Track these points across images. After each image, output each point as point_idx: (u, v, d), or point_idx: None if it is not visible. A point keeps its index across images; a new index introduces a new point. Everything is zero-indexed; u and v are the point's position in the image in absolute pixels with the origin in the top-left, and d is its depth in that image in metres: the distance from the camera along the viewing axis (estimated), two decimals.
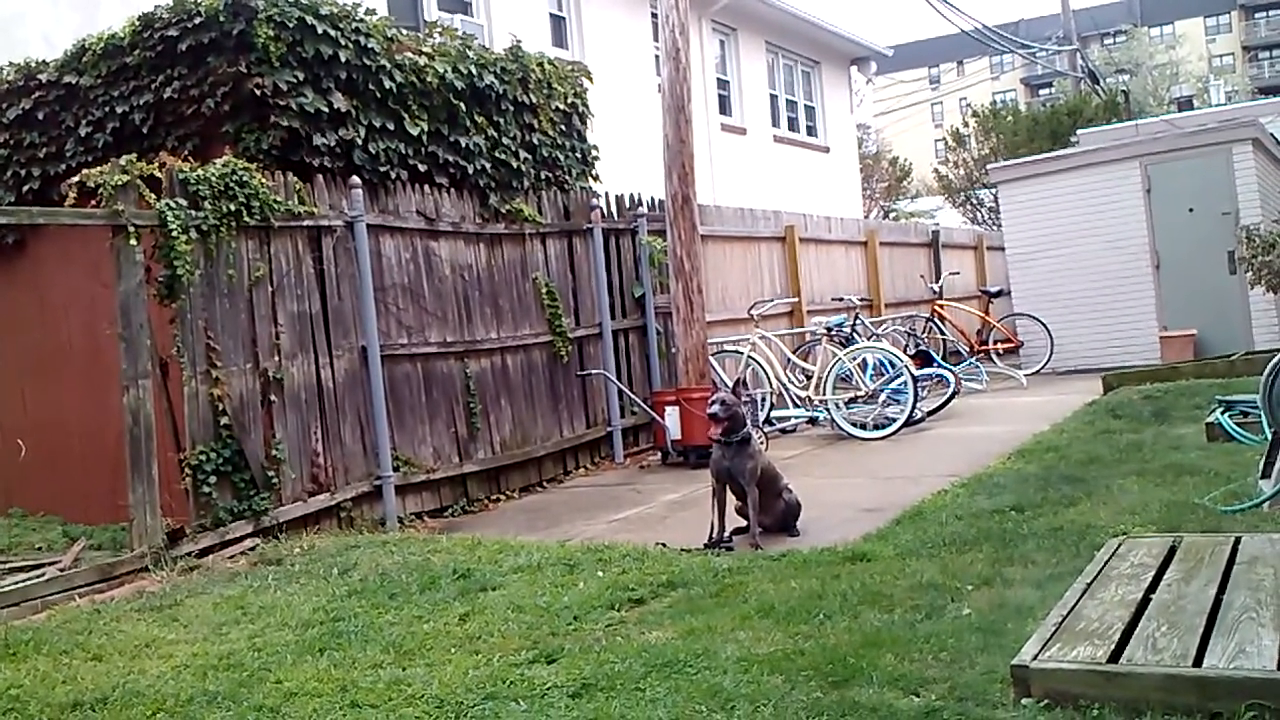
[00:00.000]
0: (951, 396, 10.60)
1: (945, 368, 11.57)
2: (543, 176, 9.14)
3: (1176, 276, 13.21)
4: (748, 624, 4.20)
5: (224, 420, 6.49)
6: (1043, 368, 13.67)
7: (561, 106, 9.35)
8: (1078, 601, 3.66)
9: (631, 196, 10.25)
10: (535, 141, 9.01)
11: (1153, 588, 3.74)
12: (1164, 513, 5.34)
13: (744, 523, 5.99)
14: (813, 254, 13.35)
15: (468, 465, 8.10)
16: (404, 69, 7.74)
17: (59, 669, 4.38)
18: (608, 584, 4.97)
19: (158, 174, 6.39)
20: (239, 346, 6.68)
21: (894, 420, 9.52)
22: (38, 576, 5.89)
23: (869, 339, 11.35)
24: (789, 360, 10.81)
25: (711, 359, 9.86)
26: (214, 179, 6.52)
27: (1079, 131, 20.04)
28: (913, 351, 11.88)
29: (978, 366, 13.08)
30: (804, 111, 20.76)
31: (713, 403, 6.00)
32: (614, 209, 10.05)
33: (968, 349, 14.58)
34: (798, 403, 10.34)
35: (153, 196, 6.28)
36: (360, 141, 7.45)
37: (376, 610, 4.87)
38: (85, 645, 4.69)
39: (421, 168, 7.97)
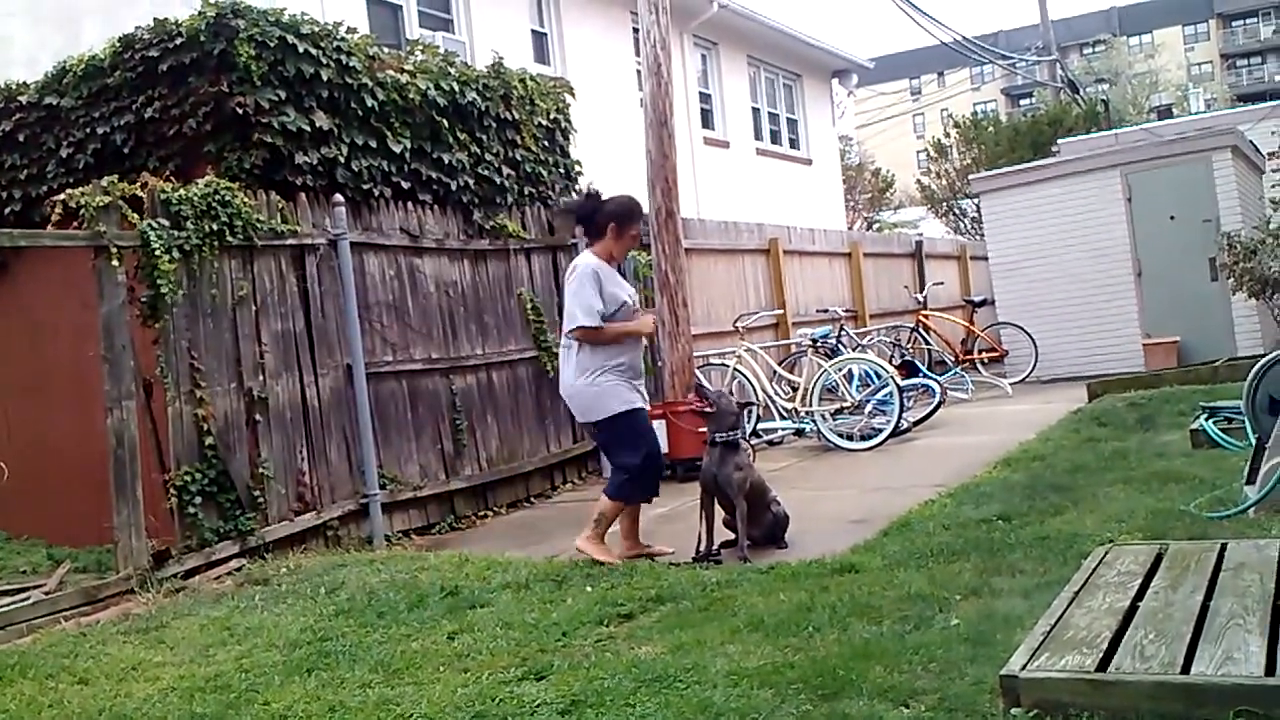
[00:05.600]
0: (937, 406, 10.62)
1: (930, 378, 11.60)
2: (526, 192, 9.15)
3: (1159, 284, 13.28)
4: (737, 637, 4.19)
5: (209, 440, 6.47)
6: (1027, 376, 13.71)
7: (544, 122, 9.37)
8: (1065, 610, 3.66)
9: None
10: (518, 157, 9.02)
11: (1140, 595, 3.74)
12: (1150, 520, 5.35)
13: (732, 536, 5.99)
14: (797, 266, 13.38)
15: (455, 482, 8.08)
16: (386, 87, 7.74)
17: (45, 693, 4.34)
18: (596, 599, 4.96)
19: (140, 194, 6.37)
20: (223, 366, 6.66)
21: (880, 431, 9.53)
22: (22, 600, 5.85)
23: (854, 350, 11.38)
24: (775, 372, 10.83)
25: (697, 372, 9.85)
26: (196, 199, 6.51)
27: (1060, 141, 20.16)
28: (898, 362, 11.93)
29: (963, 376, 13.12)
30: (786, 124, 20.84)
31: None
32: None
33: (953, 359, 14.61)
34: (784, 414, 10.34)
35: (135, 217, 6.27)
36: (343, 159, 7.44)
37: (364, 629, 4.84)
38: (71, 669, 4.66)
39: (405, 185, 7.97)
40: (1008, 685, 3.18)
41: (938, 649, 3.79)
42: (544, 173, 9.36)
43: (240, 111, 6.90)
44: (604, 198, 6.15)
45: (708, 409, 5.98)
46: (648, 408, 6.12)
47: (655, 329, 5.97)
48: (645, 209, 6.45)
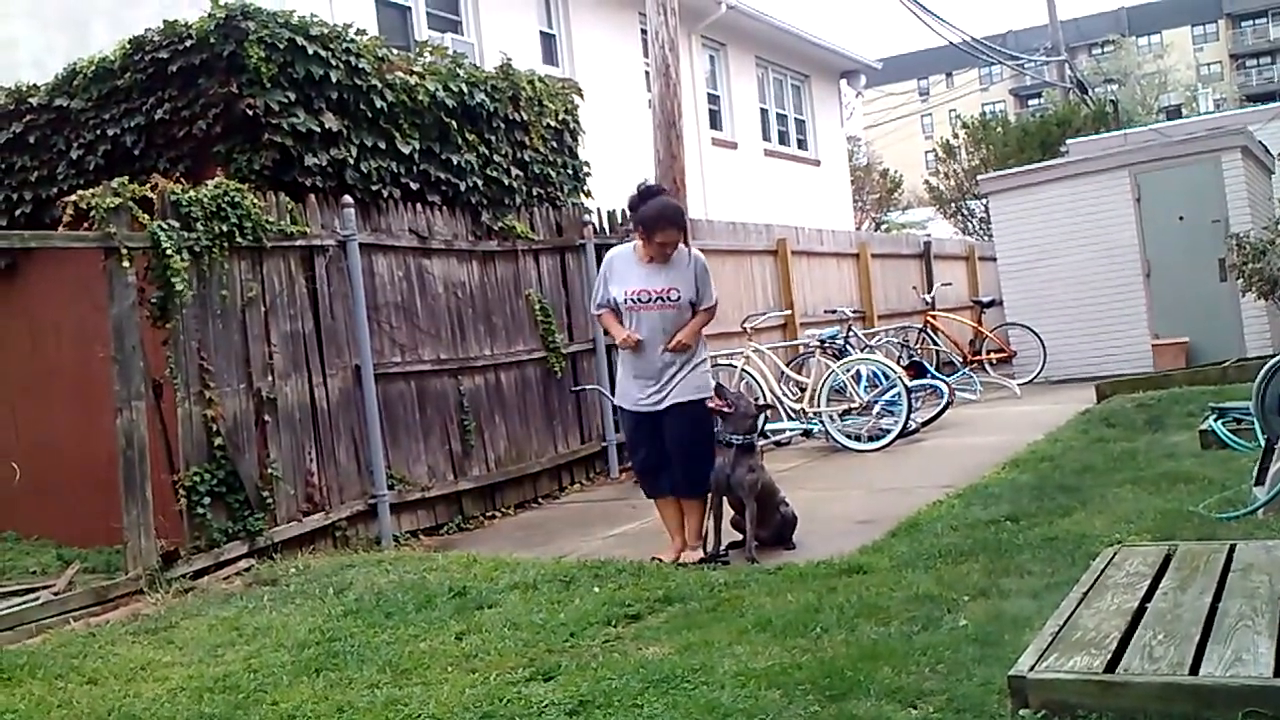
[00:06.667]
0: (945, 407, 10.60)
1: (939, 378, 11.58)
2: (535, 193, 9.15)
3: (1168, 284, 13.25)
4: (745, 638, 4.20)
5: (218, 441, 6.48)
6: (1036, 377, 13.69)
7: (553, 123, 9.37)
8: (1074, 611, 3.66)
9: (624, 212, 10.25)
10: (527, 158, 9.03)
11: (1149, 596, 3.74)
12: (1159, 521, 5.34)
13: (739, 536, 5.99)
14: (805, 266, 13.37)
15: (463, 482, 8.09)
16: (395, 88, 7.75)
17: (54, 693, 4.36)
18: (604, 600, 4.97)
19: (150, 196, 6.39)
20: (232, 367, 6.67)
21: (888, 432, 9.52)
22: (32, 600, 5.86)
23: (862, 351, 11.36)
24: (783, 373, 10.82)
25: None
26: (206, 200, 6.53)
27: (1068, 141, 20.13)
28: (906, 362, 11.89)
29: (971, 377, 13.10)
30: (794, 125, 20.83)
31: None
32: (606, 224, 10.06)
33: (961, 359, 14.59)
34: (792, 415, 10.34)
35: (145, 218, 6.28)
36: (352, 161, 7.45)
37: (372, 630, 4.85)
38: (80, 669, 4.67)
39: (413, 186, 7.98)
40: (1016, 686, 3.18)
41: (946, 650, 3.79)
42: (552, 174, 9.36)
43: (250, 113, 6.92)
44: (650, 198, 6.04)
45: (726, 409, 5.96)
46: (647, 409, 6.01)
47: (630, 343, 5.91)
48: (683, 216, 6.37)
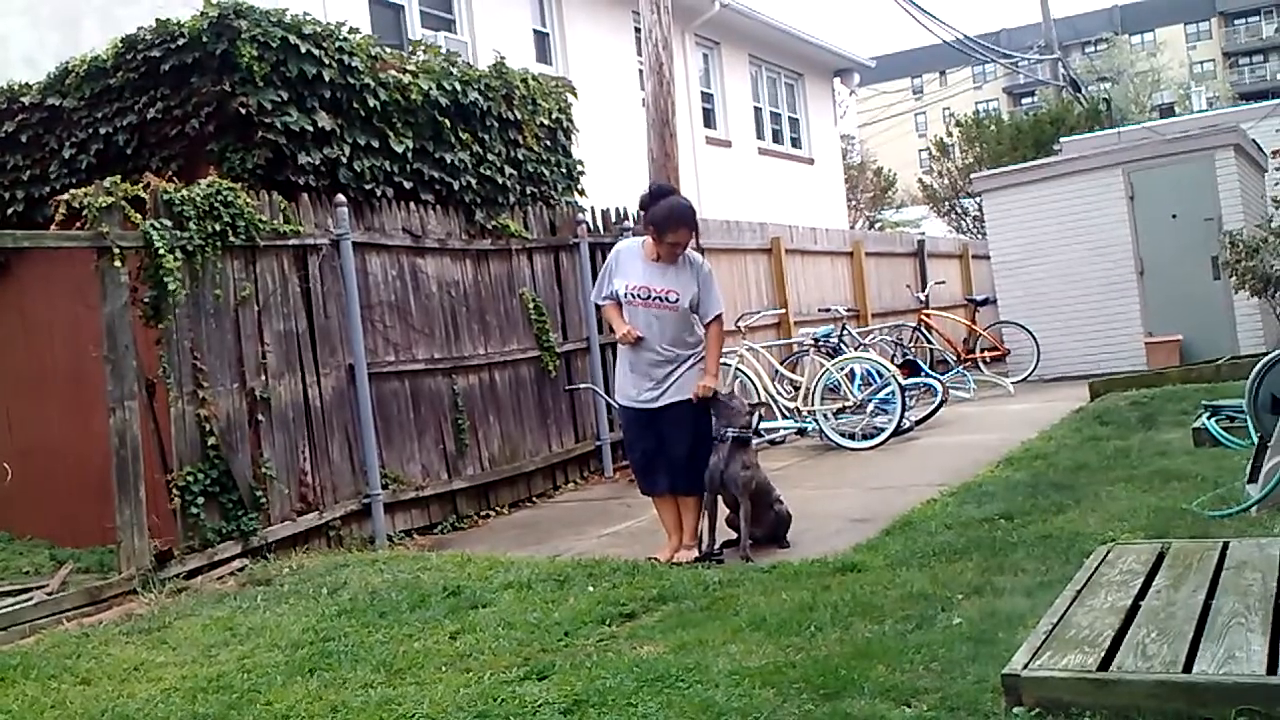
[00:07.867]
0: (939, 405, 10.61)
1: (933, 377, 11.60)
2: (528, 192, 9.14)
3: (1161, 282, 13.27)
4: (739, 637, 4.20)
5: (211, 441, 6.47)
6: (1029, 375, 13.70)
7: (546, 122, 9.36)
8: (1067, 609, 3.67)
9: (617, 210, 10.26)
10: (520, 157, 9.02)
11: (1142, 594, 3.75)
12: (1152, 519, 5.35)
13: (734, 535, 5.99)
14: (799, 265, 13.38)
15: (457, 482, 8.09)
16: (388, 87, 7.74)
17: (47, 693, 4.35)
18: (598, 599, 4.96)
19: (143, 195, 6.37)
20: (225, 366, 6.66)
21: (882, 430, 9.52)
22: (25, 600, 5.85)
23: (856, 349, 11.37)
24: (777, 371, 10.82)
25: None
26: (199, 199, 6.51)
27: (1062, 140, 20.15)
28: (900, 361, 11.92)
29: (965, 375, 13.12)
30: (788, 123, 20.83)
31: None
32: (600, 223, 10.06)
33: (955, 358, 14.61)
34: (786, 414, 10.34)
35: (138, 217, 6.27)
36: (345, 160, 7.44)
37: (366, 629, 4.85)
38: (74, 669, 4.66)
39: (407, 185, 7.97)
40: (1010, 684, 3.18)
41: (940, 648, 3.79)
42: (546, 172, 9.35)
43: (243, 112, 6.91)
44: (661, 197, 6.04)
45: (718, 399, 5.96)
46: (642, 406, 6.02)
47: (630, 339, 5.92)
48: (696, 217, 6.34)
